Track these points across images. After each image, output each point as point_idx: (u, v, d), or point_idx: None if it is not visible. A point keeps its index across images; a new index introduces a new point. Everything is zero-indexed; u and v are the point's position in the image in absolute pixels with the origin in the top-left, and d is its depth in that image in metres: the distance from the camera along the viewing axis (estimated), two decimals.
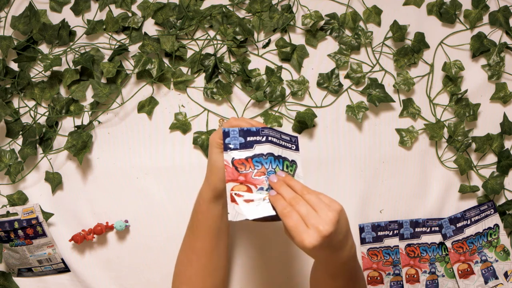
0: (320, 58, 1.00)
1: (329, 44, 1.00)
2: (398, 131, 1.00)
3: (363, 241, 0.99)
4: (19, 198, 1.00)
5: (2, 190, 1.00)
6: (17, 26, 0.99)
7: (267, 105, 0.99)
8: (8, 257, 1.00)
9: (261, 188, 0.73)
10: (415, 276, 0.99)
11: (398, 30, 0.98)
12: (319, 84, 1.00)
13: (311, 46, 1.00)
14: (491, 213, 0.99)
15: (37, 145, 0.99)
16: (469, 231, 0.99)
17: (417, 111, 1.00)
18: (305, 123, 0.98)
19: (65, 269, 1.01)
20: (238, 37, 0.98)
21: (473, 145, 1.00)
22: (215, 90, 0.99)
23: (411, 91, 1.00)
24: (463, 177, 1.01)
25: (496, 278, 0.99)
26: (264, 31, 0.99)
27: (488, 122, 1.01)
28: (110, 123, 1.00)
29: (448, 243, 0.98)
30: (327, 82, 0.99)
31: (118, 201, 1.00)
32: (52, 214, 0.99)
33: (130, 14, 0.99)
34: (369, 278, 1.00)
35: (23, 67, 0.99)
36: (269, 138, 0.76)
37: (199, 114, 1.00)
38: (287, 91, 0.99)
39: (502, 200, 1.01)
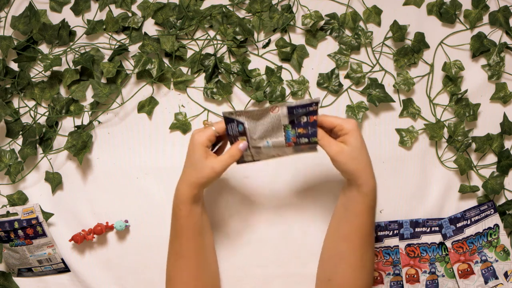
0: (320, 58, 1.00)
1: (329, 44, 1.00)
2: (398, 131, 1.00)
3: None
4: (19, 198, 1.00)
5: (2, 190, 1.00)
6: (17, 26, 0.99)
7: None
8: (8, 257, 1.00)
9: None
10: (415, 276, 0.99)
11: (398, 30, 0.98)
12: (319, 84, 1.00)
13: (311, 46, 1.00)
14: (491, 213, 0.99)
15: (37, 145, 0.99)
16: (469, 231, 0.99)
17: (417, 111, 1.00)
18: None
19: (65, 269, 1.01)
20: (238, 37, 0.98)
21: (473, 145, 1.00)
22: (215, 90, 0.99)
23: (411, 91, 1.00)
24: (463, 177, 1.01)
25: (496, 278, 0.99)
26: (264, 31, 0.99)
27: (488, 122, 1.01)
28: (110, 123, 1.00)
29: (448, 243, 0.98)
30: (327, 82, 0.99)
31: (118, 201, 1.00)
32: (52, 214, 0.99)
33: (130, 14, 0.99)
34: None
35: (23, 67, 0.99)
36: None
37: (199, 114, 1.00)
38: (287, 91, 0.99)
39: (502, 200, 1.01)
